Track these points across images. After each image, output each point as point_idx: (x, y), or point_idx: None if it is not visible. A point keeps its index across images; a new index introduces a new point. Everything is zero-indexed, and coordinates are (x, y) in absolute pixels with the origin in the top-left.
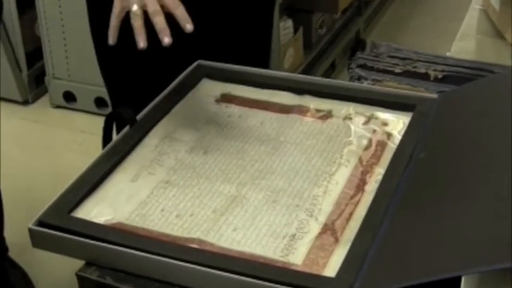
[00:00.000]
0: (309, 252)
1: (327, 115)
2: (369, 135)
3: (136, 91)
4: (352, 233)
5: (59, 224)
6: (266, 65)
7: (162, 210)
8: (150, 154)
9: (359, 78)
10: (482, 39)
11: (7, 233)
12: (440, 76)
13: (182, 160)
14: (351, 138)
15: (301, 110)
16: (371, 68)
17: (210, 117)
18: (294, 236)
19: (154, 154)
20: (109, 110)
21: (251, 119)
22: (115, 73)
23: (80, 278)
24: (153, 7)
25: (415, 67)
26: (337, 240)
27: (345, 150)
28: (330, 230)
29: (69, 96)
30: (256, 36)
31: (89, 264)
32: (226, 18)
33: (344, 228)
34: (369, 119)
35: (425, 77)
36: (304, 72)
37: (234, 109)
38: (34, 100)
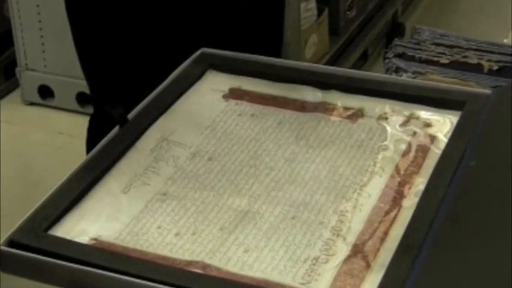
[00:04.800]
0: (335, 279)
1: (358, 114)
2: (408, 138)
3: (128, 85)
4: (387, 256)
5: (34, 244)
6: (277, 54)
7: (159, 227)
8: (144, 160)
9: (397, 70)
10: None
11: None
12: (495, 68)
13: (183, 168)
14: (386, 143)
15: (326, 108)
16: (411, 58)
17: (216, 116)
18: (317, 259)
19: (149, 160)
20: (93, 107)
21: (266, 118)
22: (99, 63)
23: None
24: None
25: (465, 57)
26: (368, 265)
27: (379, 156)
28: (360, 253)
29: (45, 91)
30: (264, 19)
31: None
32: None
33: (377, 250)
34: (408, 119)
35: (477, 68)
36: (330, 63)
37: (246, 107)
38: (3, 96)
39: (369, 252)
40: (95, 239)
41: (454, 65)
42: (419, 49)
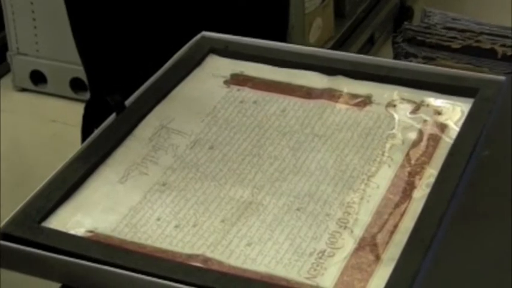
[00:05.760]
0: (342, 274)
1: (365, 101)
2: (418, 126)
3: (126, 71)
4: (397, 249)
5: (27, 237)
6: (283, 38)
7: (158, 219)
8: (142, 149)
9: (406, 56)
10: None
11: None
12: (509, 53)
13: (182, 157)
14: (395, 131)
15: (333, 95)
16: (421, 43)
17: (217, 103)
18: (323, 252)
19: (147, 149)
20: (88, 94)
21: (269, 105)
22: (96, 47)
23: None
24: None
25: (477, 41)
26: (378, 259)
27: (388, 145)
28: (368, 246)
29: (38, 77)
30: (269, 1)
31: (65, 287)
32: None
33: (387, 243)
34: (418, 107)
35: (490, 54)
36: (335, 47)
37: (248, 93)
38: None
39: (378, 245)
40: (91, 231)
41: (466, 50)
42: (430, 33)
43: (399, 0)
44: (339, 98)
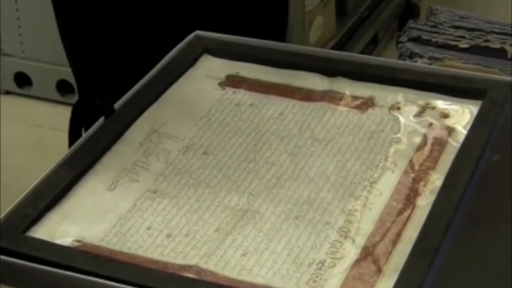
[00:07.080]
0: (343, 285)
1: (368, 104)
2: (423, 130)
3: (116, 72)
4: (401, 260)
5: (11, 247)
6: (282, 38)
7: (149, 228)
8: (132, 154)
9: (411, 56)
10: None
11: None
12: None
13: (175, 163)
14: (399, 135)
15: (333, 97)
16: (427, 42)
17: (211, 106)
18: (323, 263)
19: (137, 154)
20: (76, 97)
21: (266, 108)
22: (85, 48)
23: None
24: None
25: (486, 41)
26: (380, 270)
27: (391, 150)
28: (370, 256)
29: (22, 79)
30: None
31: None
32: None
33: (390, 253)
34: (424, 109)
35: (500, 53)
36: (337, 47)
37: (244, 95)
38: None
39: (380, 255)
40: (79, 241)
41: (474, 50)
42: (436, 32)
43: None
44: (340, 100)
